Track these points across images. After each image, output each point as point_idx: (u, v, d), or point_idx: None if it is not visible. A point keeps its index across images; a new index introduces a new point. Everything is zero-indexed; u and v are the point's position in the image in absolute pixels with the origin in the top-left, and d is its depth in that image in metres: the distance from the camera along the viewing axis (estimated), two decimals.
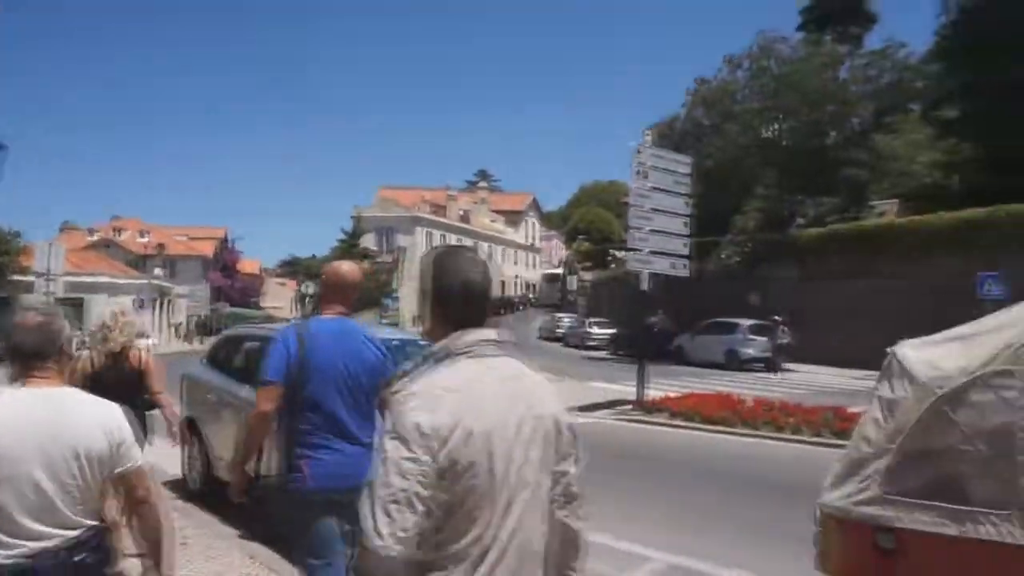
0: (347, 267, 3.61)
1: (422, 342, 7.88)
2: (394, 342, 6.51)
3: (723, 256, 29.85)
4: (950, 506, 2.73)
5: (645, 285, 13.04)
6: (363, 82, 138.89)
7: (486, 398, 1.59)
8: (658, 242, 13.36)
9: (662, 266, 13.46)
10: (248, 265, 70.86)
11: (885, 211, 28.78)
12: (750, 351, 21.70)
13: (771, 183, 29.71)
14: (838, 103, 27.70)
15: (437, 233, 59.49)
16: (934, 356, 2.97)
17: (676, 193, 13.78)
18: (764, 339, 21.61)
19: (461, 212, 65.42)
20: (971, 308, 5.11)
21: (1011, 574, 2.59)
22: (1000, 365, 2.74)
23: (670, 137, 28.84)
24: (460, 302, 1.67)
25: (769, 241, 27.81)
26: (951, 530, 2.70)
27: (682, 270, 13.87)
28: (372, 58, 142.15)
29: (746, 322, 22.76)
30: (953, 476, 2.80)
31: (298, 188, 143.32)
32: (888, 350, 3.19)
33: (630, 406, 13.02)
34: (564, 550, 1.82)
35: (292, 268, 76.19)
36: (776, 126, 28.07)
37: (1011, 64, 23.56)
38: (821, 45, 28.92)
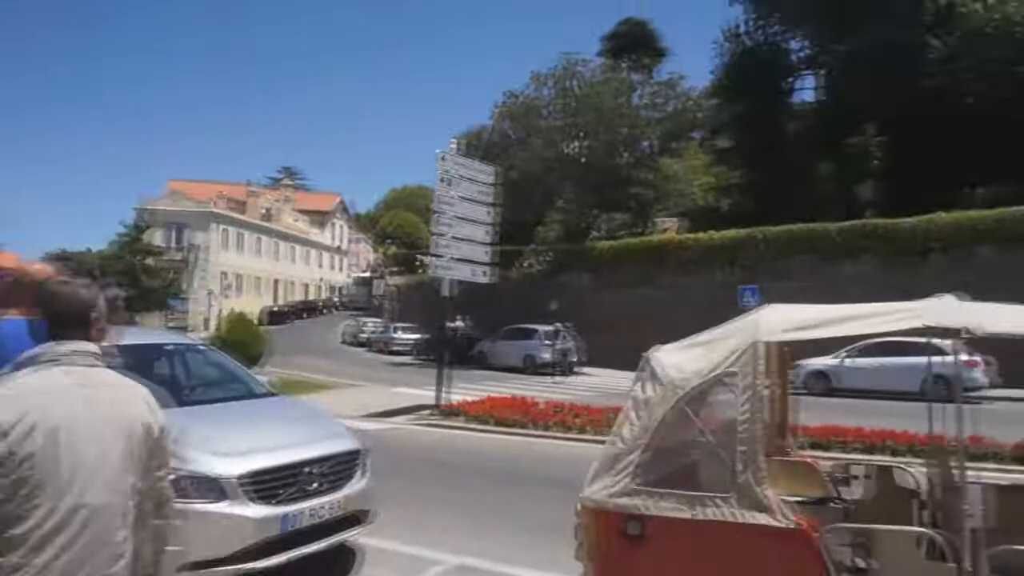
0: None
1: (201, 347, 7.31)
2: (167, 347, 6.07)
3: (526, 264, 31.14)
4: (686, 492, 3.08)
5: (446, 291, 13.25)
6: (161, 71, 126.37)
7: (59, 400, 1.83)
8: (462, 249, 13.64)
9: (464, 273, 13.75)
10: (5, 259, 61.77)
11: (668, 227, 31.68)
12: (546, 356, 22.81)
13: (570, 197, 31.57)
14: (630, 126, 30.07)
15: (234, 231, 55.84)
16: (680, 360, 3.33)
17: (480, 202, 14.16)
18: (559, 344, 22.84)
19: (263, 210, 61.95)
20: (735, 316, 5.77)
21: (734, 548, 2.96)
22: (729, 367, 3.14)
23: (478, 147, 29.63)
24: (56, 320, 1.96)
25: (568, 251, 29.49)
26: (686, 513, 3.04)
27: (483, 277, 14.26)
28: (175, 48, 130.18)
29: (543, 328, 23.90)
30: (689, 466, 3.16)
31: (78, 178, 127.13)
32: (643, 354, 3.53)
33: (430, 411, 13.13)
34: (156, 546, 2.05)
35: (62, 263, 67.47)
36: (576, 143, 29.83)
37: (769, 104, 27.10)
38: (618, 71, 31.23)
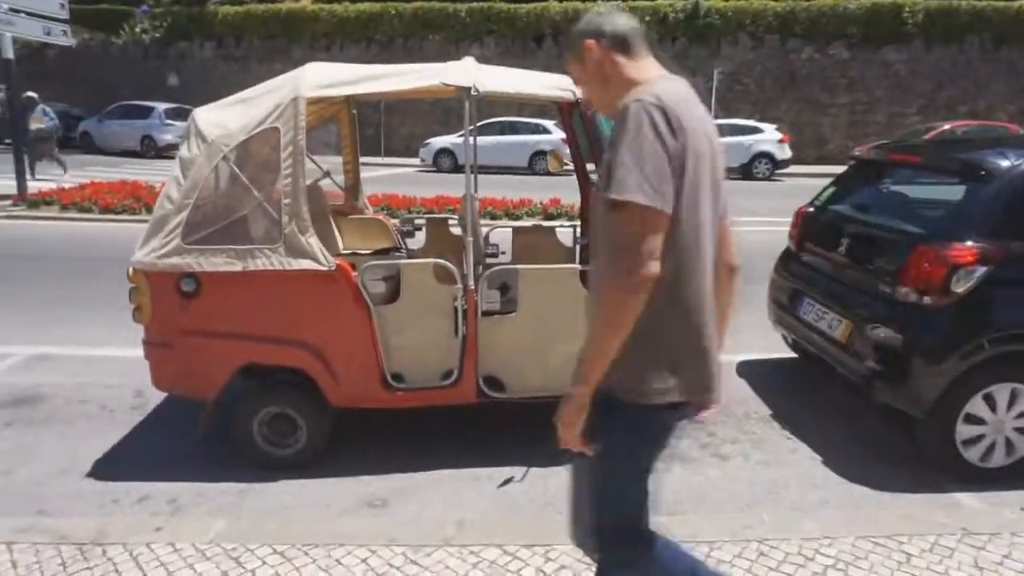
0: None
1: None
2: None
3: (137, 29, 26.63)
4: (236, 247, 3.21)
5: (8, 52, 10.79)
6: None
7: None
8: None
9: (32, 29, 11.26)
10: None
11: None
12: (167, 137, 20.57)
13: None
14: None
15: None
16: (223, 117, 3.29)
17: None
18: (183, 123, 20.66)
19: None
20: None
21: (284, 293, 3.23)
22: (271, 123, 3.20)
23: None
24: None
25: (187, 15, 25.80)
26: (237, 266, 3.20)
27: (62, 37, 11.88)
28: None
29: (163, 106, 21.28)
30: (238, 221, 3.26)
31: None
32: (191, 114, 3.41)
33: (9, 202, 11.22)
34: None
35: None
36: None
37: None
38: None
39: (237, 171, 3.20)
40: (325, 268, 3.21)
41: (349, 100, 4.55)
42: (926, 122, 20.93)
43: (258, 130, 3.19)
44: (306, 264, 3.20)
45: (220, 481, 3.31)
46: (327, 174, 4.56)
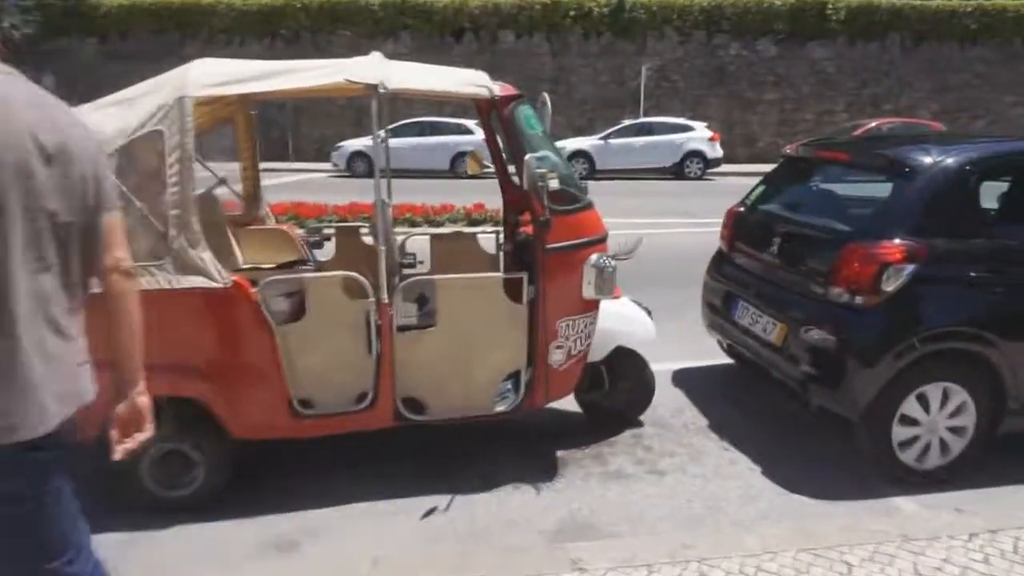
0: None
1: None
2: None
3: (5, 25, 25.27)
4: None
5: None
6: None
7: None
8: None
9: None
10: None
11: None
12: None
13: None
14: None
15: None
16: (98, 119, 3.11)
17: None
18: None
19: None
20: None
21: (176, 314, 3.08)
22: (154, 126, 3.06)
23: None
24: None
25: (64, 9, 24.66)
26: None
27: None
28: None
29: None
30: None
31: None
32: None
33: None
34: None
35: None
36: None
37: None
38: None
39: (116, 177, 3.03)
40: (220, 285, 3.09)
41: (245, 100, 4.41)
42: (853, 120, 22.01)
43: (138, 134, 3.03)
44: (198, 281, 3.07)
45: (101, 532, 3.11)
46: (222, 182, 4.40)
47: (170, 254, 3.04)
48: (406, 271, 4.27)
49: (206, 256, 3.08)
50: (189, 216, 3.04)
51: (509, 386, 3.60)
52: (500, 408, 3.54)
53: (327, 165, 20.28)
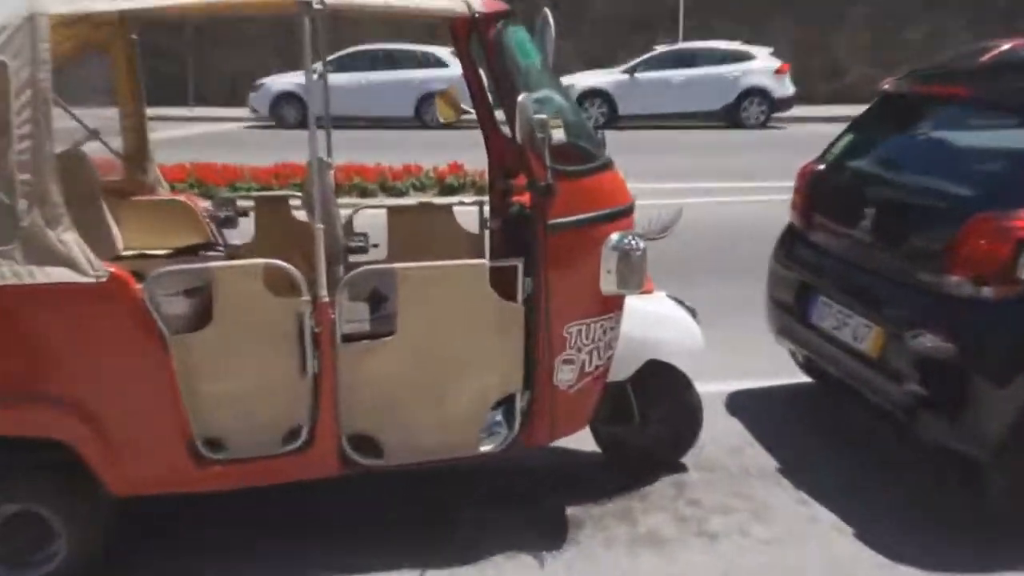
0: None
1: None
2: None
3: None
4: None
5: None
6: None
7: None
8: None
9: None
10: None
11: None
12: None
13: None
14: None
15: None
16: None
17: None
18: None
19: None
20: None
21: (24, 320, 3.08)
22: None
23: None
24: None
25: None
26: None
27: None
28: None
29: None
30: None
31: None
32: None
33: None
34: None
35: None
36: None
37: None
38: None
39: None
40: (90, 279, 3.07)
41: (125, 21, 4.38)
42: (978, 40, 22.05)
43: None
44: (59, 274, 3.04)
45: None
46: (95, 135, 4.40)
47: (18, 236, 3.02)
48: (353, 258, 4.26)
49: (70, 239, 3.06)
50: (46, 183, 3.02)
51: (499, 417, 3.59)
52: (487, 447, 3.54)
53: (243, 111, 20.33)
